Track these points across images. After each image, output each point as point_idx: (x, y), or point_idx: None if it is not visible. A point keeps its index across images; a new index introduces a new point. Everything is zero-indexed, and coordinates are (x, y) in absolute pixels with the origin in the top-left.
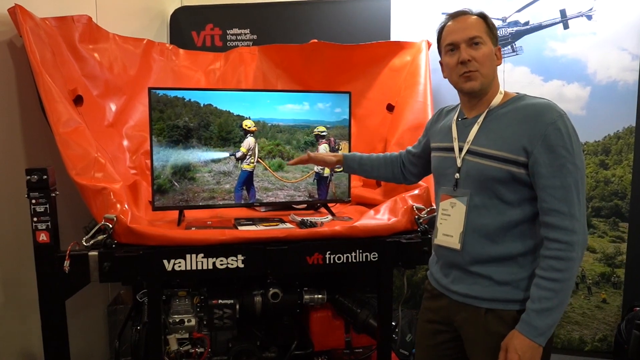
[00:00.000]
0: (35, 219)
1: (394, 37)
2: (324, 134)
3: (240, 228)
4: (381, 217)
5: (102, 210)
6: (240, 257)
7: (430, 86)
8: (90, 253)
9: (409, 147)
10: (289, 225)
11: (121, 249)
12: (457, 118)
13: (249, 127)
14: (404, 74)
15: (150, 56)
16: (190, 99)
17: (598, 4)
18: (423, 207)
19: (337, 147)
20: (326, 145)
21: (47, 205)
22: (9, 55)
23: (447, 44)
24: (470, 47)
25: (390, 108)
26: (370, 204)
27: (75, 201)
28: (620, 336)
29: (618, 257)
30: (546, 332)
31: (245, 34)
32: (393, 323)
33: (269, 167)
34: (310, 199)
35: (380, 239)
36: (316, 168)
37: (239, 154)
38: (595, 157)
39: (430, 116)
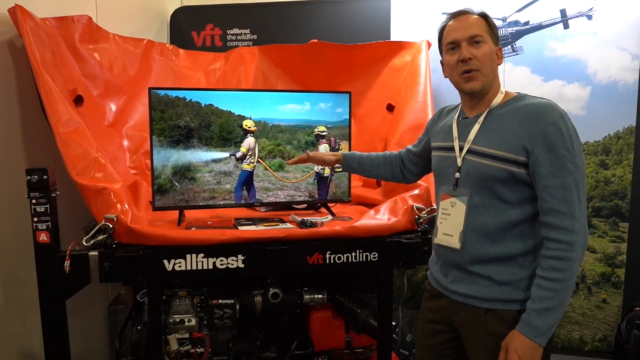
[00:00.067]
0: (35, 219)
1: (394, 37)
2: (324, 133)
3: (240, 228)
4: (381, 217)
5: (103, 210)
6: (240, 257)
7: (431, 86)
8: (90, 253)
9: (409, 146)
10: (289, 225)
11: (121, 249)
12: (458, 117)
13: (249, 127)
14: (404, 74)
15: (150, 56)
16: (191, 99)
17: (598, 4)
18: (423, 207)
19: (337, 147)
20: (326, 145)
21: (48, 206)
22: (9, 55)
23: (448, 43)
24: (471, 46)
25: (390, 108)
26: (371, 204)
27: (75, 201)
28: (621, 336)
29: (618, 257)
30: (546, 332)
31: (245, 34)
32: (393, 323)
33: (269, 167)
34: (310, 199)
35: (380, 239)
36: (317, 168)
37: (239, 154)
38: (595, 157)
39: (430, 116)
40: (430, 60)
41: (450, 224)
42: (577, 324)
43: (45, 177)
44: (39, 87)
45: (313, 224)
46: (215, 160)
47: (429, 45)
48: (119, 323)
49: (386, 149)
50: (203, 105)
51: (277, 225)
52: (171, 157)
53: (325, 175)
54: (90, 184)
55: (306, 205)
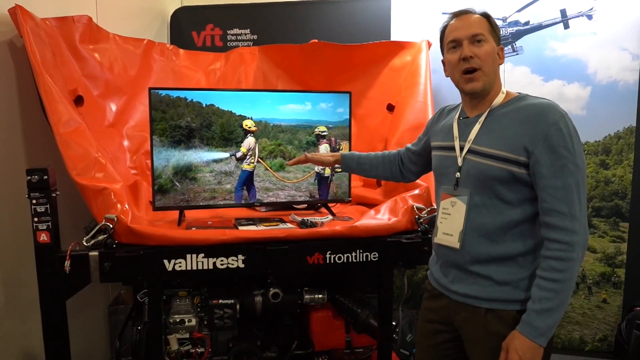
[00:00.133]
0: (35, 219)
1: (394, 37)
2: (324, 133)
3: (240, 228)
4: (381, 217)
5: (103, 210)
6: (240, 257)
7: (431, 86)
8: (90, 253)
9: (409, 145)
10: (289, 225)
11: (122, 249)
12: (459, 117)
13: (249, 127)
14: (404, 74)
15: (150, 56)
16: (192, 99)
17: (598, 4)
18: (423, 206)
19: (337, 147)
20: (327, 145)
21: (48, 206)
22: (9, 55)
23: (449, 41)
24: (473, 45)
25: (390, 108)
26: (371, 204)
27: (75, 201)
28: (621, 336)
29: (618, 257)
30: (547, 332)
31: (245, 34)
32: (393, 323)
33: (270, 167)
34: (310, 199)
35: (380, 238)
36: (317, 168)
37: (239, 154)
38: (595, 157)
39: (430, 116)
40: (430, 60)
41: (450, 224)
42: (578, 324)
43: (46, 177)
44: (39, 87)
45: (313, 224)
46: (216, 160)
47: (429, 45)
48: (119, 323)
49: (386, 148)
50: (204, 105)
51: (277, 225)
52: (172, 157)
53: (326, 175)
54: (91, 184)
55: (306, 205)
